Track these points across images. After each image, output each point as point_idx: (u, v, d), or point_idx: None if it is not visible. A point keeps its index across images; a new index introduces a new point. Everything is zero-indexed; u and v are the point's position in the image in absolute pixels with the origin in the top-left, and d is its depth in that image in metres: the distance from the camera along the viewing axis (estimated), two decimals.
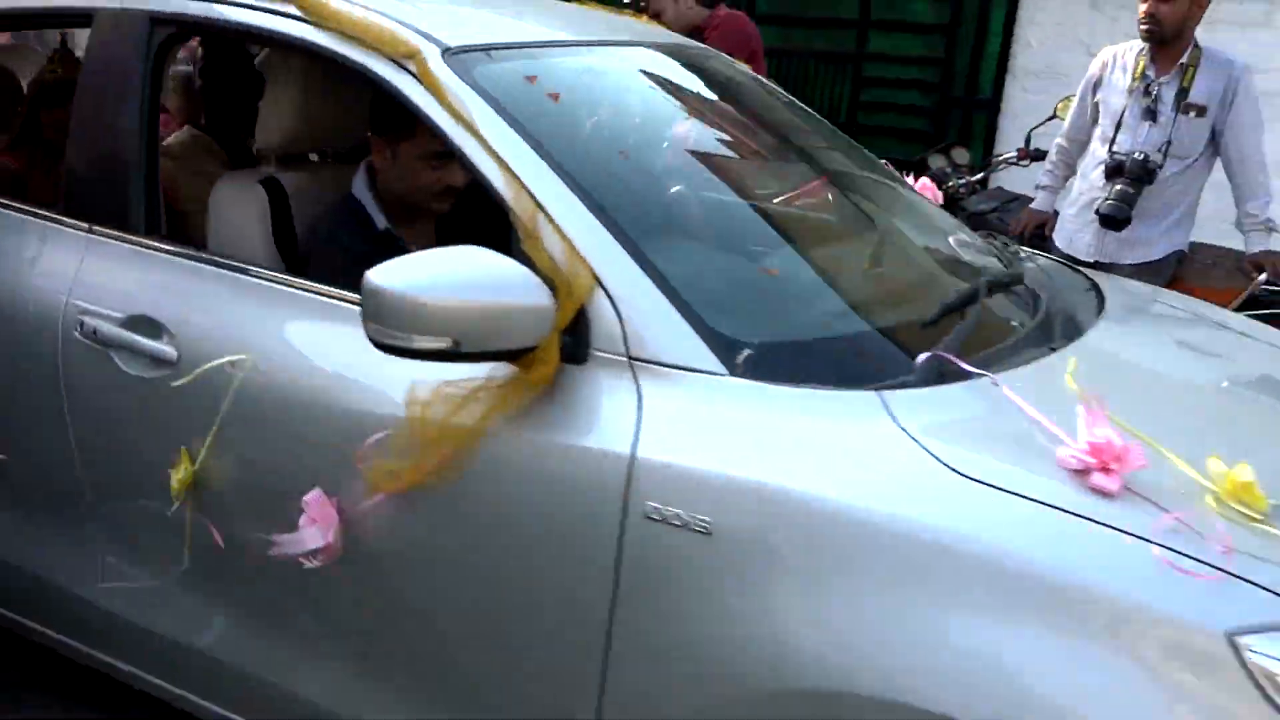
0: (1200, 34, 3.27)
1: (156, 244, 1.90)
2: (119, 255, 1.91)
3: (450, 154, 2.01)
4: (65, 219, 1.99)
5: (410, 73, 1.69)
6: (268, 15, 1.84)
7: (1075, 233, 3.48)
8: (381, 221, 2.06)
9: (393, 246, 2.07)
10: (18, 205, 2.09)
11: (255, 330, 1.73)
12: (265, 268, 1.88)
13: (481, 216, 2.22)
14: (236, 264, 1.83)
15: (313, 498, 1.60)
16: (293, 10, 1.81)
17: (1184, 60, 3.22)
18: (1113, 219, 3.23)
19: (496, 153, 1.59)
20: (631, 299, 1.48)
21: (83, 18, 2.07)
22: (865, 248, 1.89)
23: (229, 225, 2.07)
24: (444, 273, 1.40)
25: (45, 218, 2.03)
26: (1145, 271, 3.25)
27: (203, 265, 1.85)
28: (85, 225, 1.96)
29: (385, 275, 1.39)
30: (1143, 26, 3.22)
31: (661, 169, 1.78)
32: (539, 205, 1.54)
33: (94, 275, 1.91)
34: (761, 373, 1.44)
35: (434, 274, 1.40)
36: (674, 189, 1.77)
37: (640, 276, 1.49)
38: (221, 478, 1.75)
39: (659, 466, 1.39)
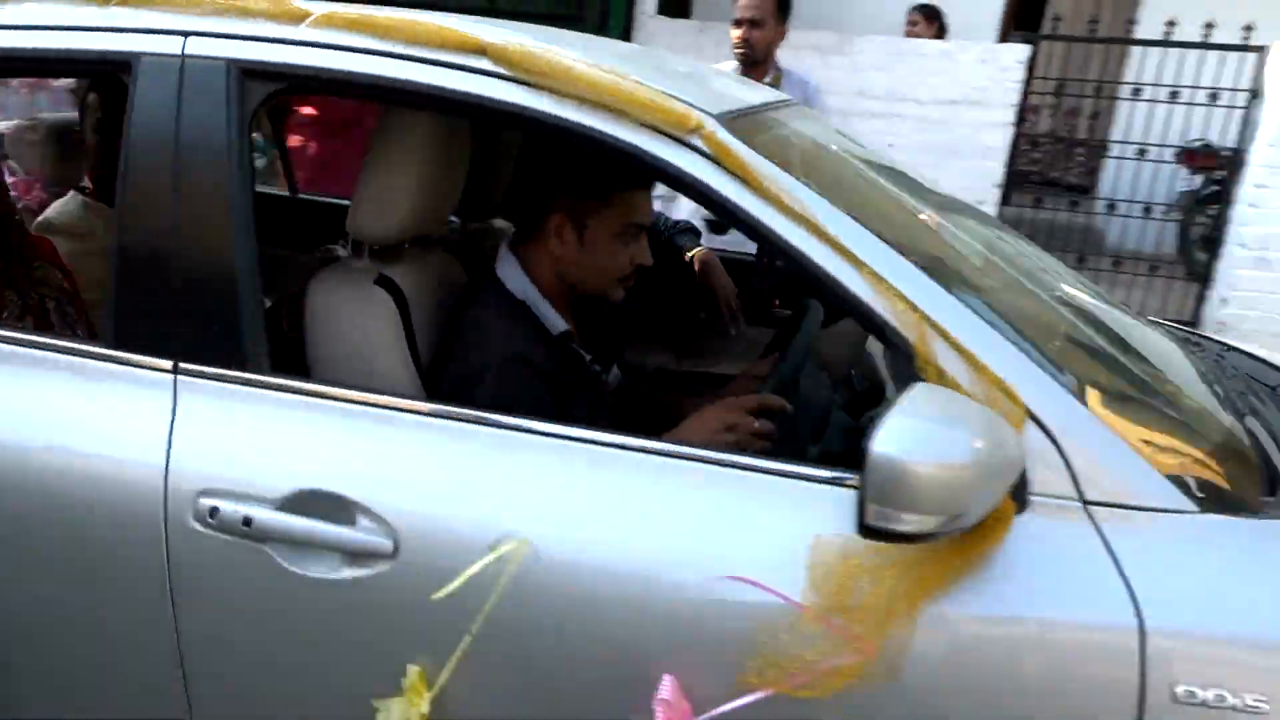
0: (789, 58, 3.64)
1: (294, 383, 1.37)
2: (240, 403, 1.36)
3: (641, 228, 1.66)
4: (128, 356, 1.39)
5: (695, 149, 1.32)
6: (457, 74, 1.37)
7: None
8: (559, 323, 1.64)
9: (568, 353, 1.66)
10: (38, 339, 1.45)
11: (509, 497, 1.28)
12: (409, 395, 1.43)
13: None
14: (441, 408, 1.35)
15: (670, 692, 1.19)
16: (490, 67, 1.37)
17: (768, 80, 3.53)
18: (717, 224, 3.31)
19: (852, 253, 1.27)
20: (1071, 430, 1.22)
21: (109, 65, 1.48)
22: (1170, 341, 1.73)
23: (348, 343, 1.55)
24: (939, 429, 1.08)
25: (92, 355, 1.41)
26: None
27: (383, 410, 1.35)
28: (167, 364, 1.38)
29: (893, 442, 1.04)
30: (737, 50, 3.52)
31: (986, 264, 1.52)
32: (927, 319, 1.24)
33: (205, 437, 1.35)
34: (1222, 505, 1.24)
35: (930, 433, 1.07)
36: (1026, 288, 1.52)
37: (1072, 401, 1.24)
38: (478, 702, 1.27)
39: (1179, 637, 1.15)
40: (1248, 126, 5.36)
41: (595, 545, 1.25)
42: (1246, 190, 5.21)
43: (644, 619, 1.23)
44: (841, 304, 1.28)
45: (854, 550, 1.18)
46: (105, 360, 1.40)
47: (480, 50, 1.38)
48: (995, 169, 5.37)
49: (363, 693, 1.29)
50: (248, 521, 1.28)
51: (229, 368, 1.37)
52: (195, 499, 1.30)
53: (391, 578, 1.26)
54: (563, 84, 1.35)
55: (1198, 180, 6.39)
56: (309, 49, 1.42)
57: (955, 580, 1.17)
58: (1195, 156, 6.09)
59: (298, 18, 1.45)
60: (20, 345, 1.44)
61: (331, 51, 1.41)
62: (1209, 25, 5.34)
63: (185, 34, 1.45)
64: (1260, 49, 5.34)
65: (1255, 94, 5.35)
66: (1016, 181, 5.98)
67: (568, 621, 1.24)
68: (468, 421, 1.33)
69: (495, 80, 1.37)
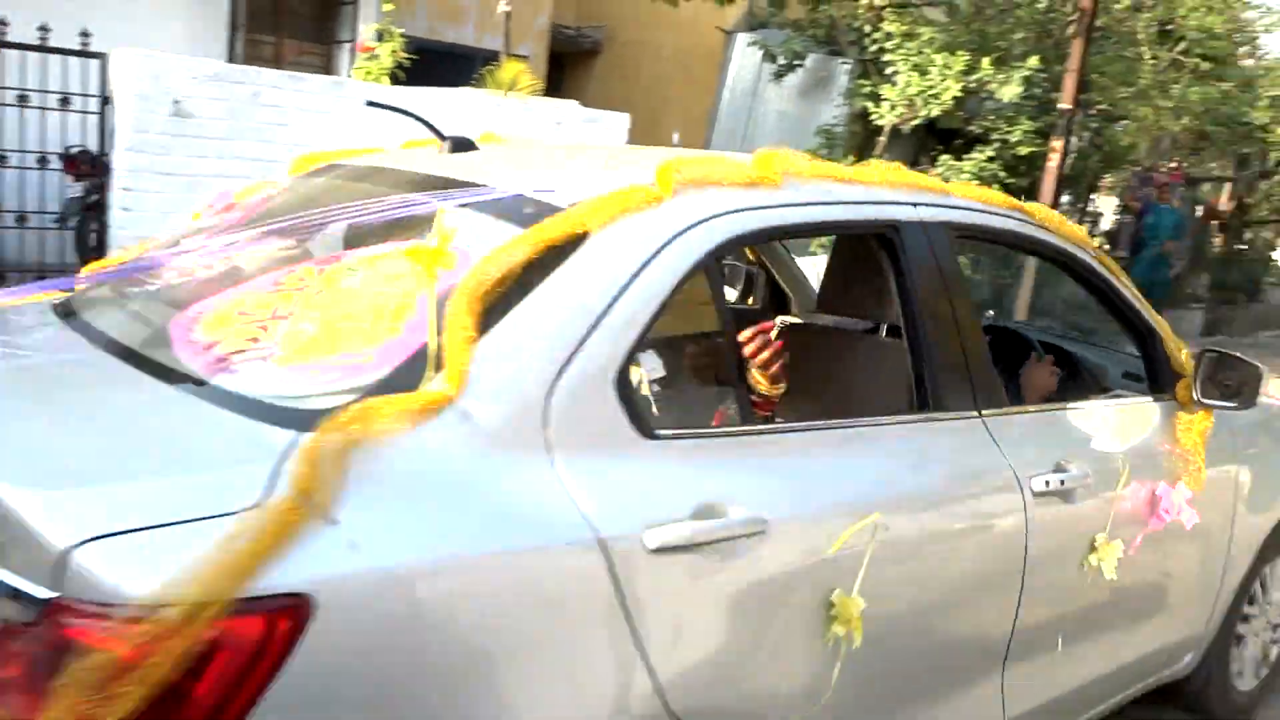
0: None
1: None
2: (1023, 425, 2.33)
3: None
4: (950, 414, 2.21)
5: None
6: (1018, 223, 2.49)
7: None
8: None
9: None
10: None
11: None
12: None
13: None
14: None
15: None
16: (1029, 218, 2.52)
17: None
18: None
19: (1140, 297, 2.81)
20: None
21: (883, 228, 2.17)
22: None
23: None
24: None
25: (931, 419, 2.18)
26: None
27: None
28: (974, 412, 2.24)
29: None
30: None
31: None
32: (1161, 324, 2.86)
33: (1026, 444, 2.29)
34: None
35: None
36: None
37: None
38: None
39: None
40: (106, 132, 5.65)
41: None
42: (117, 195, 5.57)
43: None
44: (1136, 324, 2.79)
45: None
46: (932, 421, 2.18)
47: (1019, 209, 2.52)
48: None
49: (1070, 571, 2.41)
50: (1048, 484, 2.28)
51: (998, 406, 2.29)
52: (1029, 478, 2.24)
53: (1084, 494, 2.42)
54: (1058, 226, 2.58)
55: (80, 187, 6.11)
56: (964, 210, 2.36)
57: None
58: (75, 163, 5.97)
59: (943, 188, 2.36)
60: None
61: (969, 212, 2.38)
62: (44, 29, 5.44)
63: (915, 204, 2.24)
64: (102, 55, 5.64)
65: (107, 100, 5.65)
66: None
67: None
68: None
69: (1032, 226, 2.52)
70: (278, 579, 1.25)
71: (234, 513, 1.27)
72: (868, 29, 10.60)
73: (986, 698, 2.26)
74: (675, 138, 11.07)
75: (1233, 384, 2.74)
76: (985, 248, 7.05)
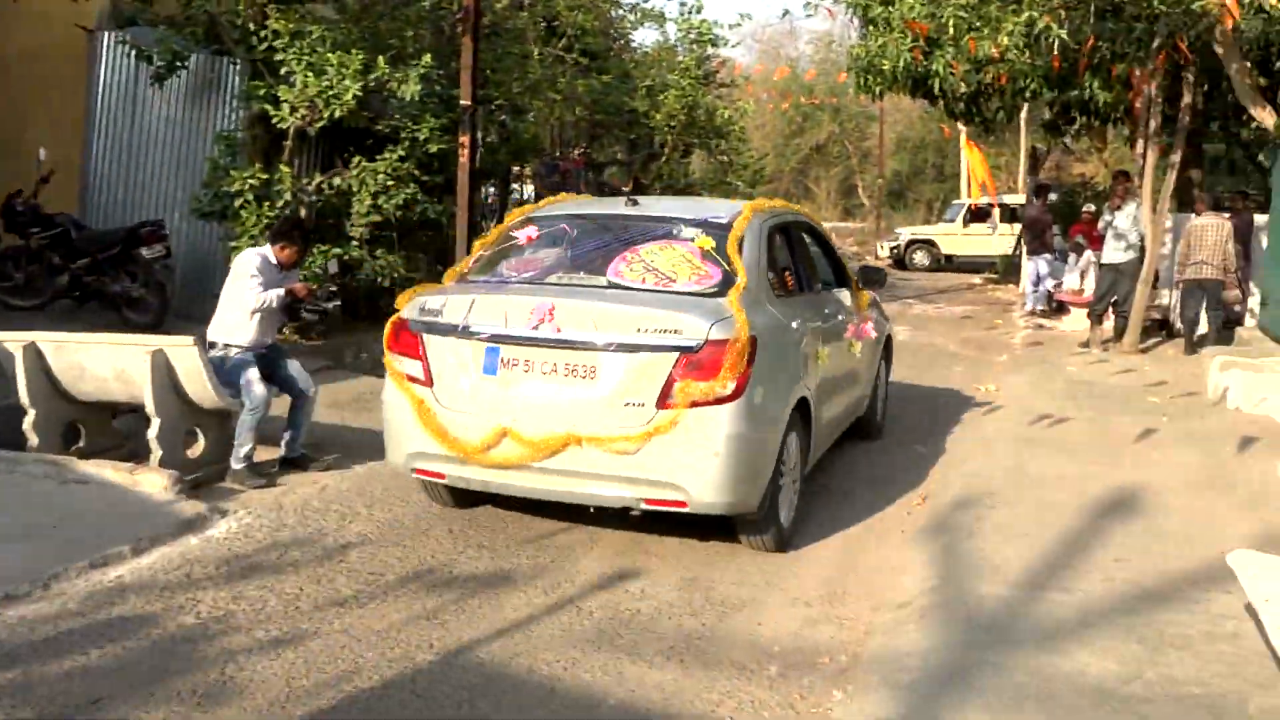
0: None
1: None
2: (834, 295, 5.92)
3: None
4: (821, 291, 5.74)
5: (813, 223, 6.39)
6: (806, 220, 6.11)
7: None
8: None
9: None
10: None
11: None
12: None
13: None
14: None
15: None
16: (808, 216, 6.15)
17: None
18: None
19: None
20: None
21: (785, 225, 5.61)
22: None
23: None
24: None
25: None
26: None
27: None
28: (826, 290, 5.80)
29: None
30: None
31: None
32: (850, 269, 6.67)
33: (835, 303, 5.88)
34: None
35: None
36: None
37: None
38: None
39: None
40: None
41: None
42: None
43: None
44: (835, 258, 6.56)
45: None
46: (823, 292, 5.70)
47: (804, 213, 6.14)
48: None
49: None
50: (849, 313, 5.93)
51: (828, 289, 5.88)
52: (839, 316, 5.87)
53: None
54: (812, 216, 6.24)
55: None
56: (797, 216, 5.93)
57: None
58: None
59: (791, 207, 5.90)
60: None
61: (799, 215, 5.96)
62: None
63: (788, 213, 5.76)
64: None
65: None
66: None
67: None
68: None
69: (807, 219, 6.16)
70: (750, 332, 4.39)
71: (731, 316, 4.36)
72: (253, 26, 9.91)
73: (836, 405, 5.83)
74: (41, 154, 9.72)
75: (873, 279, 6.65)
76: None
